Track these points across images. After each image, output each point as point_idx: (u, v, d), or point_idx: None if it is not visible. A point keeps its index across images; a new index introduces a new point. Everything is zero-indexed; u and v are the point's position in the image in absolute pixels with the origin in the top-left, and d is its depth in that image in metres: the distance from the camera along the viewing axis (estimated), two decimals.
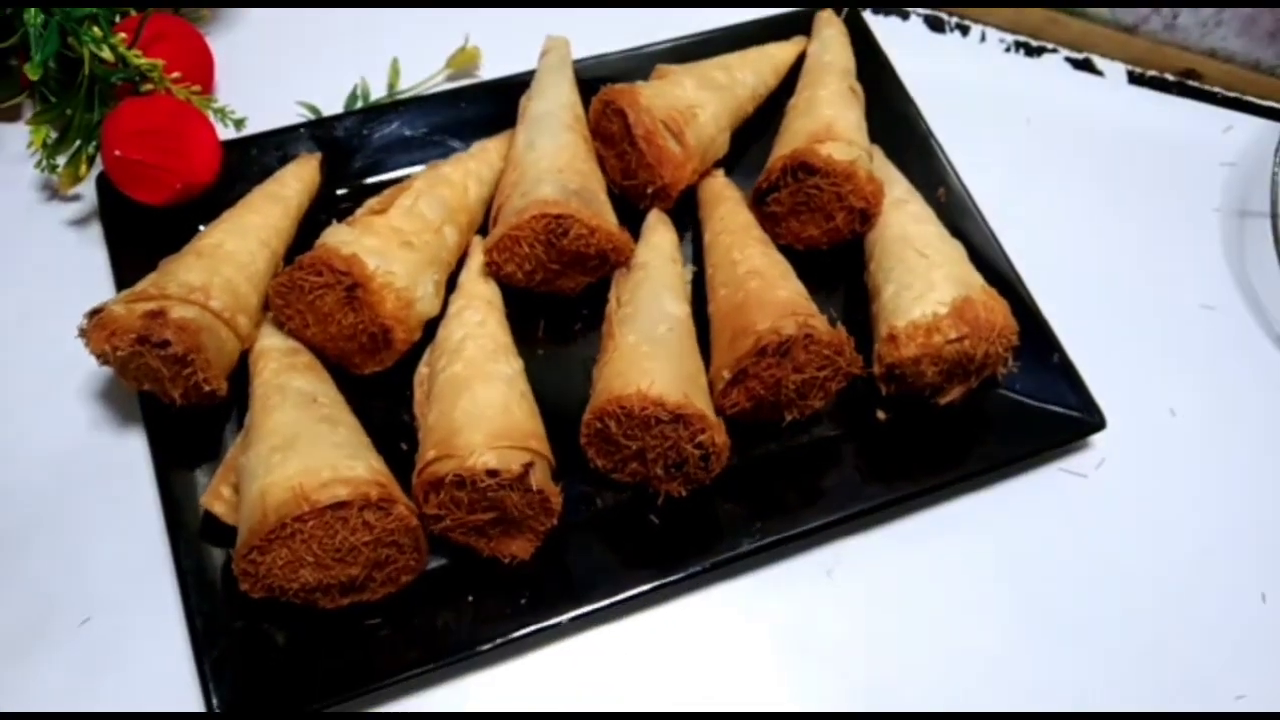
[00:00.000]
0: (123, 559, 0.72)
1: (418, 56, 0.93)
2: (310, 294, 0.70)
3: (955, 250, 0.78)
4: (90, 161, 0.81)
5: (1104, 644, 0.73)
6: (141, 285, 0.69)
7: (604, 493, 0.74)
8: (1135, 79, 0.99)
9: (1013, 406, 0.79)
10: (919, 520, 0.77)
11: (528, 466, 0.65)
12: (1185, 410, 0.83)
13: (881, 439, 0.78)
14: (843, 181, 0.78)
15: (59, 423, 0.76)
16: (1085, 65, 1.00)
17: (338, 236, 0.71)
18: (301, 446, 0.65)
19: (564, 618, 0.68)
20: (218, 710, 0.64)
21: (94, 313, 0.68)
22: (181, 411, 0.72)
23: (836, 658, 0.72)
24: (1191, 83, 0.99)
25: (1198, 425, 0.82)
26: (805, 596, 0.74)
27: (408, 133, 0.87)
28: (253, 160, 0.83)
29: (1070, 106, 0.98)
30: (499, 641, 0.67)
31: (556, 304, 0.81)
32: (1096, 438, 0.80)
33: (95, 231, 0.83)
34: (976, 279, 0.76)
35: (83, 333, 0.68)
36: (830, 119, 0.81)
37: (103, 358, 0.67)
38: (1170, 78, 0.99)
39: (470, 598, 0.69)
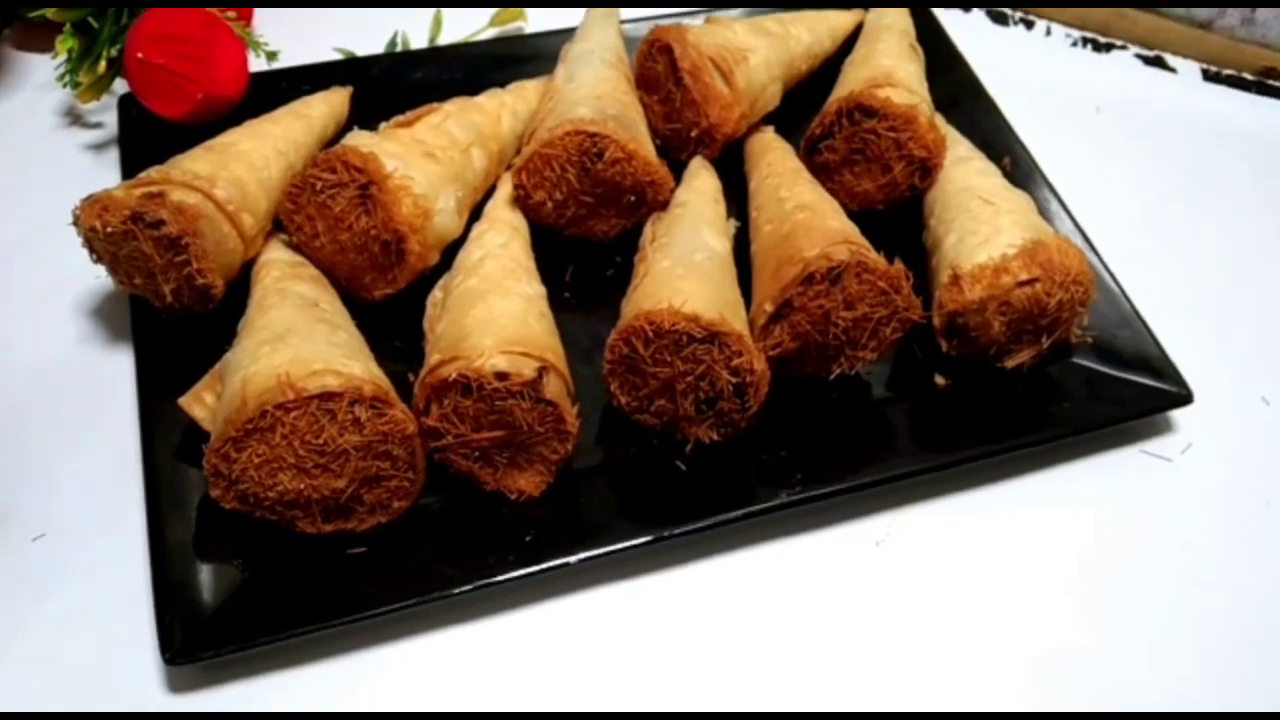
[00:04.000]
0: (90, 479, 0.65)
1: (462, 15, 0.90)
2: (323, 193, 0.65)
3: (1024, 200, 0.72)
4: (113, 68, 0.78)
5: (1176, 647, 0.63)
6: (145, 173, 0.65)
7: (626, 438, 0.66)
8: (1210, 77, 0.94)
9: (1087, 375, 0.70)
10: (980, 495, 0.68)
11: (541, 371, 0.58)
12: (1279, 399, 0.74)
13: (939, 405, 0.70)
14: (902, 126, 0.73)
15: (45, 335, 0.71)
16: (1157, 62, 0.95)
17: (356, 139, 0.67)
18: (294, 340, 0.59)
19: (573, 558, 0.60)
20: (167, 632, 0.56)
21: (90, 196, 0.63)
22: (173, 325, 0.67)
23: (878, 639, 0.62)
24: (1272, 82, 0.93)
25: None
26: (849, 569, 0.65)
27: (444, 78, 0.83)
28: (281, 93, 0.79)
29: (1143, 100, 0.92)
30: (498, 579, 0.59)
31: (587, 250, 0.75)
32: (1183, 421, 0.72)
33: (112, 156, 0.80)
34: (1048, 227, 0.69)
35: (75, 215, 0.63)
36: (890, 68, 0.76)
37: (92, 236, 0.62)
38: (1249, 76, 0.94)
39: (469, 535, 0.61)
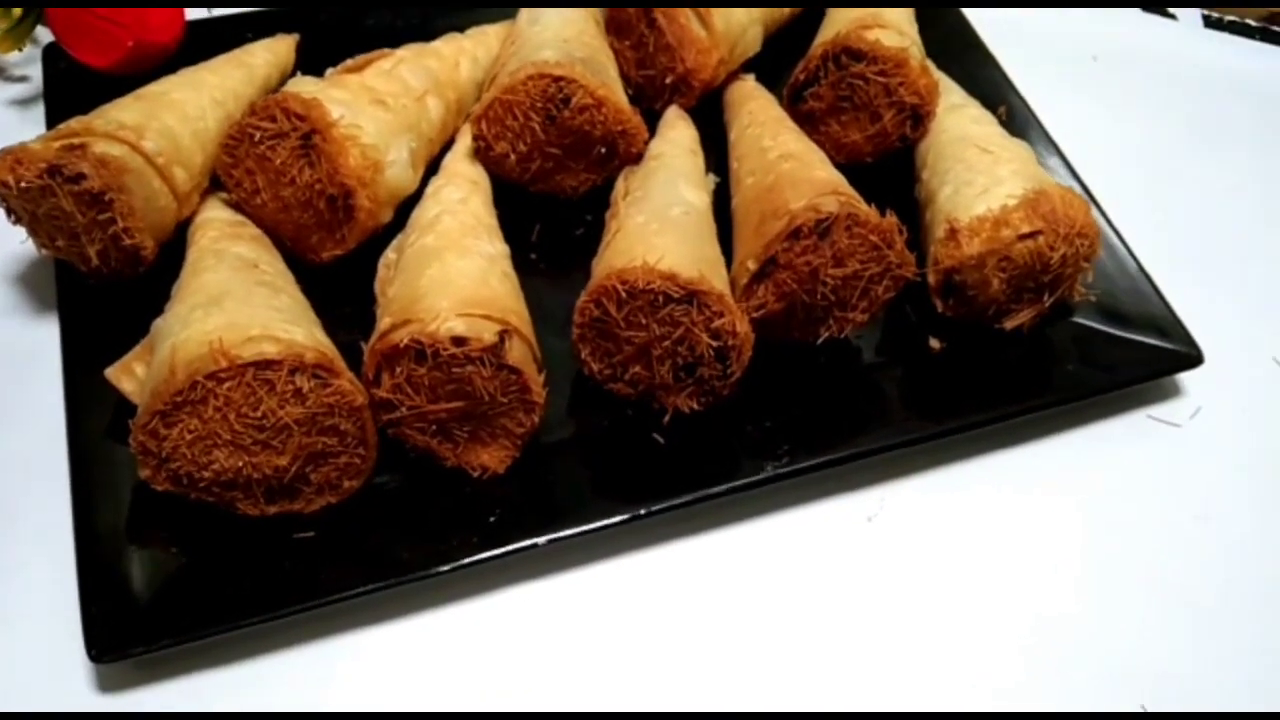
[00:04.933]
0: (15, 457, 0.60)
1: None
2: (261, 144, 0.59)
3: (1023, 149, 0.67)
4: (32, 18, 0.71)
5: (1186, 623, 0.59)
6: (66, 124, 0.59)
7: (599, 409, 0.61)
8: (1212, 24, 0.89)
9: (1090, 336, 0.66)
10: (978, 465, 0.64)
11: (503, 335, 0.53)
12: None
13: (934, 371, 0.65)
14: (892, 70, 0.67)
15: None
16: (1157, 8, 0.90)
17: (299, 85, 0.61)
18: (229, 304, 0.53)
19: (541, 539, 0.55)
20: (94, 626, 0.50)
21: (4, 150, 0.57)
22: (102, 293, 0.61)
23: (871, 619, 0.58)
24: (1276, 28, 0.89)
25: None
26: (840, 545, 0.60)
27: (400, 24, 0.77)
28: (221, 41, 0.73)
29: (1141, 47, 0.88)
30: (460, 563, 0.54)
31: (555, 207, 0.70)
32: (1191, 384, 0.67)
33: (38, 112, 0.74)
34: (1049, 177, 0.64)
35: None
36: (878, 9, 0.70)
37: (5, 194, 0.56)
38: (1253, 23, 0.89)
39: (428, 517, 0.56)
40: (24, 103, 0.75)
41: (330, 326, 0.58)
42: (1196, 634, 0.59)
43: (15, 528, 0.57)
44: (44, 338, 0.63)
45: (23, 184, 0.54)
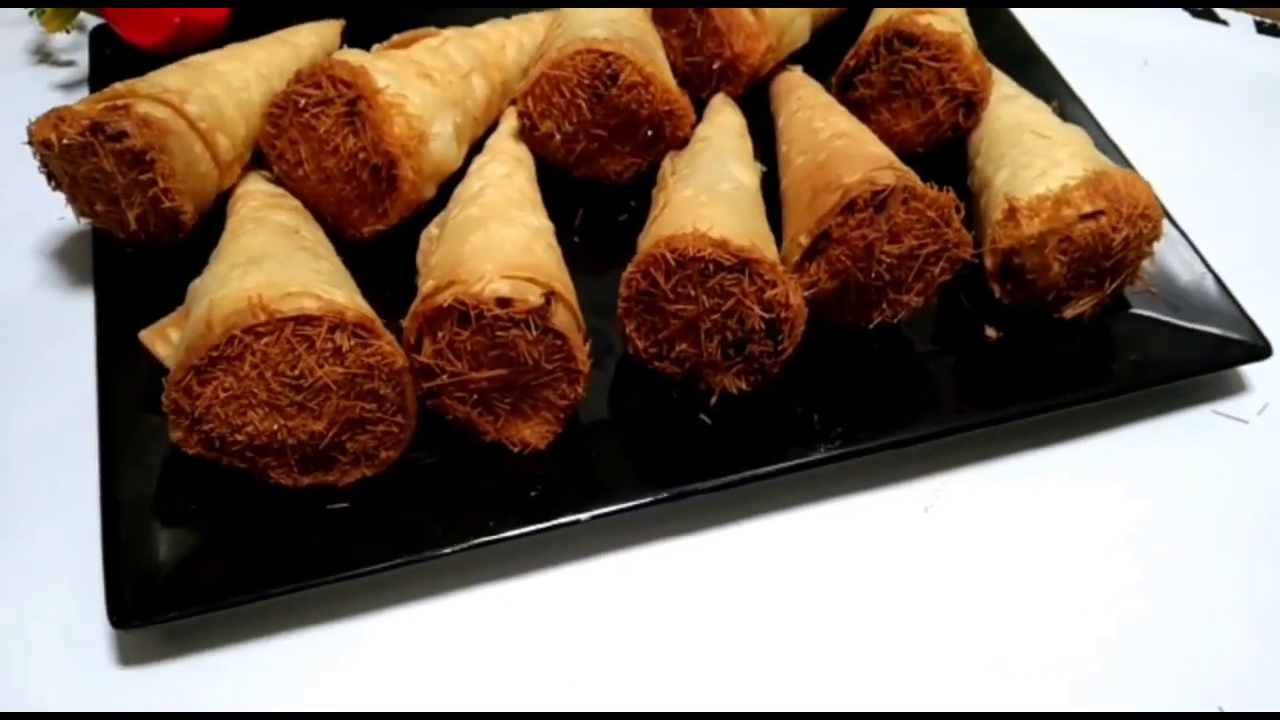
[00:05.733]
0: (45, 428, 0.58)
1: None
2: (306, 112, 0.58)
3: (1080, 134, 0.65)
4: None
5: (1252, 627, 0.55)
6: (111, 87, 0.58)
7: (644, 390, 0.59)
8: (1265, 29, 0.88)
9: (1153, 327, 0.63)
10: (1035, 458, 0.61)
11: (549, 298, 0.51)
12: None
13: (991, 359, 0.63)
14: (945, 56, 0.66)
15: (2, 275, 0.64)
16: (1207, 14, 0.89)
17: (346, 54, 0.60)
18: (270, 264, 0.52)
19: (583, 515, 0.53)
20: (117, 593, 0.48)
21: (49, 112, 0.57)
22: (138, 259, 0.60)
23: (926, 612, 0.55)
24: None
25: None
26: (894, 536, 0.57)
27: (445, 15, 0.76)
28: (268, 23, 0.72)
29: (1192, 51, 0.86)
30: (498, 538, 0.52)
31: (599, 193, 0.69)
32: (1259, 380, 0.65)
33: (83, 94, 0.73)
34: (1108, 160, 0.63)
35: (31, 135, 0.56)
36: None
37: (47, 155, 0.55)
38: None
39: (465, 491, 0.54)
40: (69, 86, 0.75)
41: (369, 298, 0.57)
42: (1264, 633, 0.55)
43: (43, 496, 0.56)
44: (79, 308, 0.62)
45: (65, 141, 0.54)
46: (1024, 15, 0.83)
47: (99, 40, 0.73)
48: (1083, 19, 0.88)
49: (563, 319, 0.52)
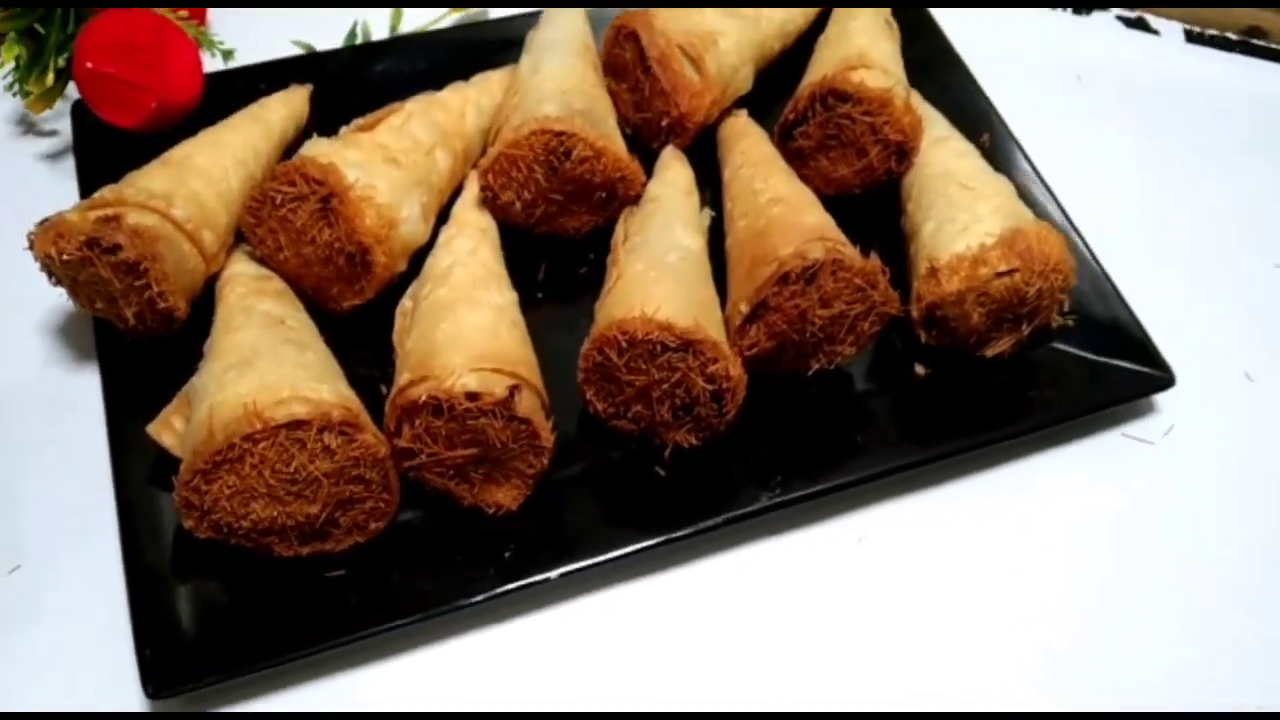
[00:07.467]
0: (63, 505, 0.64)
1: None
2: (283, 207, 0.63)
3: (1003, 184, 0.70)
4: (62, 79, 0.75)
5: (1168, 633, 0.63)
6: (99, 193, 0.63)
7: (604, 446, 0.66)
8: (1194, 38, 0.92)
9: (1068, 361, 0.70)
10: (962, 486, 0.68)
11: (513, 390, 0.57)
12: (1262, 374, 0.73)
13: (920, 396, 0.69)
14: (877, 110, 0.71)
15: (8, 357, 0.70)
16: (1139, 24, 0.93)
17: (316, 148, 0.65)
18: (261, 365, 0.57)
19: (553, 573, 0.60)
20: (148, 666, 0.55)
21: (44, 221, 0.61)
22: (138, 345, 0.66)
23: (863, 637, 0.62)
24: (1256, 41, 0.91)
25: (1276, 390, 0.73)
26: (831, 567, 0.64)
27: (406, 70, 0.81)
28: (238, 93, 0.77)
29: (1124, 65, 0.91)
30: (479, 598, 0.59)
31: (560, 247, 0.74)
32: (1164, 402, 0.71)
33: (68, 165, 0.78)
34: (1028, 213, 0.68)
35: (31, 243, 0.61)
36: (863, 46, 0.74)
37: (49, 264, 0.61)
38: (1233, 36, 0.91)
39: (448, 552, 0.61)
40: (54, 156, 0.79)
41: (352, 365, 0.63)
42: (1164, 639, 0.63)
43: (60, 569, 0.62)
44: (85, 385, 0.68)
45: (64, 256, 0.59)
46: (954, 34, 0.86)
47: (80, 112, 0.77)
48: (1015, 36, 0.91)
49: (527, 404, 0.58)
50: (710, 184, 0.76)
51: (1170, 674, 0.62)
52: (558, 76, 0.71)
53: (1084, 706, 0.60)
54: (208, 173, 0.65)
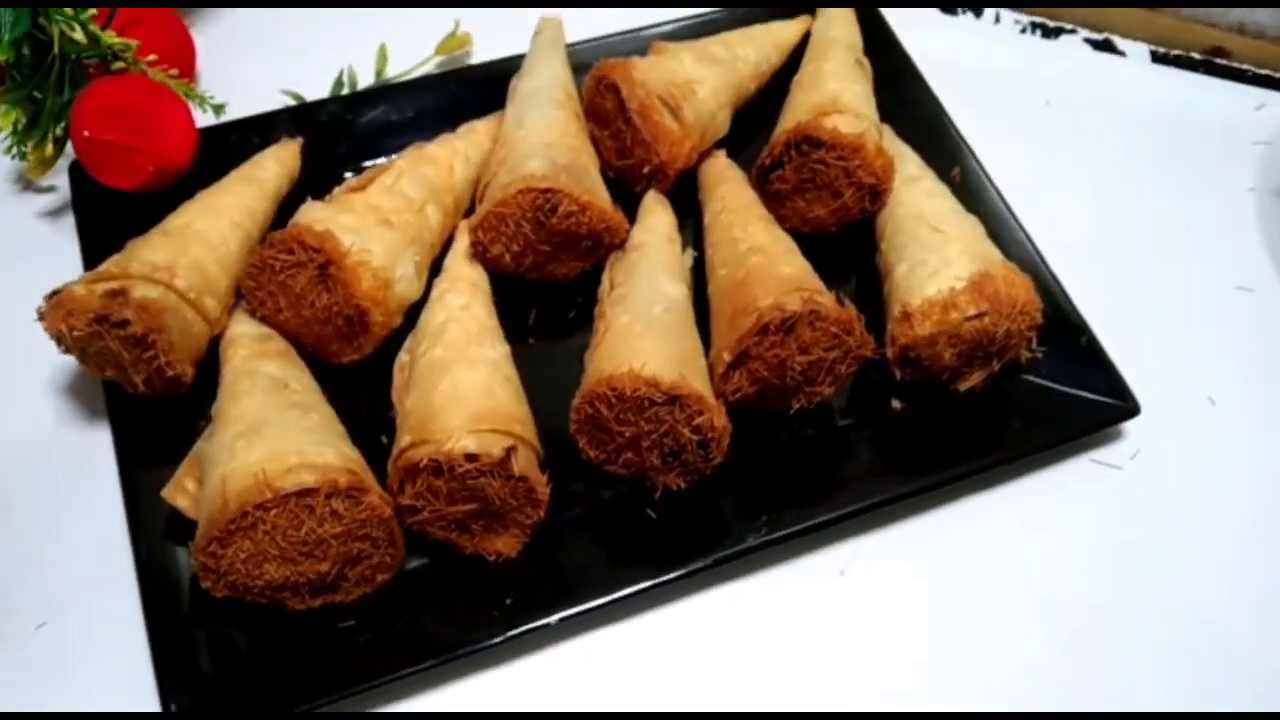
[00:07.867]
0: (83, 560, 0.67)
1: (406, 43, 0.89)
2: (281, 274, 0.66)
3: (973, 226, 0.73)
4: (60, 145, 0.77)
5: (1139, 649, 0.67)
6: (104, 265, 0.65)
7: (597, 488, 0.69)
8: (1159, 58, 0.95)
9: (1038, 392, 0.73)
10: (938, 516, 0.71)
11: (509, 451, 0.60)
12: (1225, 398, 0.77)
13: (897, 430, 0.72)
14: (850, 155, 0.74)
15: (21, 416, 0.72)
16: (1106, 46, 0.95)
17: (311, 214, 0.67)
18: (268, 432, 0.60)
19: (553, 618, 0.63)
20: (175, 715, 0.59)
21: (53, 294, 0.64)
22: (148, 404, 0.68)
23: (849, 663, 0.66)
24: (1220, 61, 0.94)
25: (1239, 413, 0.76)
26: (816, 598, 0.68)
27: (394, 118, 0.83)
28: (231, 147, 0.79)
29: (1092, 87, 0.93)
30: (483, 645, 0.62)
31: (549, 292, 0.77)
32: (1131, 427, 0.75)
33: (68, 222, 0.80)
34: (996, 254, 0.71)
35: (41, 315, 0.64)
36: (836, 91, 0.76)
37: (60, 339, 0.63)
38: (1197, 56, 0.94)
39: (452, 599, 0.64)
40: (54, 213, 0.81)
41: (351, 413, 0.66)
42: (1137, 660, 0.66)
43: (90, 627, 0.65)
44: (97, 441, 0.71)
45: (75, 332, 0.61)
46: (925, 58, 0.88)
47: (78, 172, 0.78)
48: (986, 57, 0.94)
49: (523, 461, 0.61)
50: (692, 221, 0.79)
51: (1143, 695, 0.65)
52: (541, 130, 0.74)
53: None
54: (207, 239, 0.68)
